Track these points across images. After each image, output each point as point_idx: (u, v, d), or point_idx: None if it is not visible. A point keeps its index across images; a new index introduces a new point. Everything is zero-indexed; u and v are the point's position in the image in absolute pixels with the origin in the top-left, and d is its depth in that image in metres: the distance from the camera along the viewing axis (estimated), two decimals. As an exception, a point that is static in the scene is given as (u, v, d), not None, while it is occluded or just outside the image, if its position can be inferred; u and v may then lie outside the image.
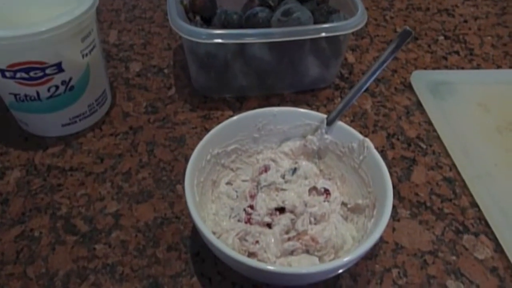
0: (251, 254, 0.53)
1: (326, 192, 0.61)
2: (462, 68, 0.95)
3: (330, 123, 0.59)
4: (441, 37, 1.05)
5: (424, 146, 0.78)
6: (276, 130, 0.60)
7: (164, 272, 0.54)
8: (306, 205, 0.56)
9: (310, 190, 0.60)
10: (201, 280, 0.54)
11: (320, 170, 0.64)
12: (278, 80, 0.83)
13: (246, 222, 0.55)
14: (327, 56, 0.83)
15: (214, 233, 0.53)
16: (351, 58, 0.98)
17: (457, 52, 1.01)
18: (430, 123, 0.82)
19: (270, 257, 0.53)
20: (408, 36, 0.56)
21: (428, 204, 0.68)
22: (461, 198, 0.70)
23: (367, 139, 0.59)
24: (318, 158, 0.61)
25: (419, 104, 0.85)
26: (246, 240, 0.53)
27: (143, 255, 0.56)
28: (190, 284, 0.57)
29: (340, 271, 0.49)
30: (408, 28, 0.56)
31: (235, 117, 0.62)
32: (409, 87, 0.90)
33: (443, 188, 0.71)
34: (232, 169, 0.64)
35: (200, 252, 0.57)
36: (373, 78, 0.59)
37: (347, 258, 0.47)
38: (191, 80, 0.86)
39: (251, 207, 0.57)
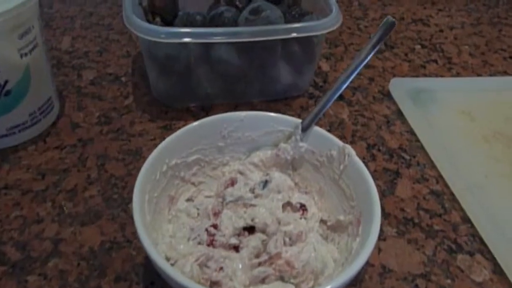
0: (214, 284, 0.44)
1: (302, 207, 0.53)
2: (442, 76, 0.91)
3: (305, 128, 0.51)
4: (418, 46, 1.01)
5: (408, 157, 0.71)
6: (244, 138, 0.52)
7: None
8: (279, 223, 0.48)
9: (284, 206, 0.51)
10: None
11: (295, 183, 0.56)
12: (247, 87, 0.76)
13: (208, 245, 0.46)
14: (299, 61, 0.76)
15: (168, 259, 0.44)
16: (325, 66, 0.92)
17: (435, 61, 0.96)
18: (412, 132, 0.76)
19: (237, 286, 0.43)
20: (392, 27, 0.50)
21: (416, 220, 0.61)
22: (451, 213, 0.63)
23: (348, 146, 0.51)
24: (293, 170, 0.53)
25: (399, 113, 0.80)
26: (207, 267, 0.44)
27: (85, 287, 0.45)
28: (143, 323, 0.47)
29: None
30: (391, 18, 0.50)
31: (196, 123, 0.54)
32: (388, 95, 0.84)
33: (431, 202, 0.64)
34: (193, 184, 0.55)
35: (155, 282, 0.47)
36: (354, 74, 0.52)
37: (329, 286, 0.38)
38: (151, 88, 0.78)
39: (215, 226, 0.48)
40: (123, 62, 0.88)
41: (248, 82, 0.76)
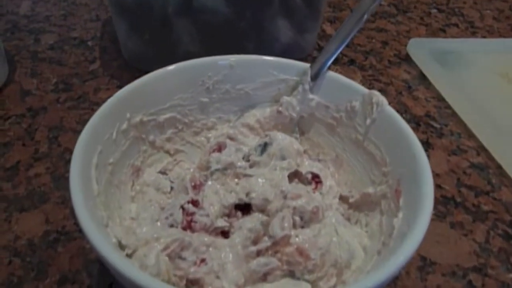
0: (192, 283, 0.30)
1: (316, 179, 0.39)
2: (466, 40, 0.78)
3: (316, 75, 0.38)
4: (434, 10, 0.88)
5: (438, 126, 0.58)
6: (234, 92, 0.39)
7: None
8: (285, 197, 0.34)
9: (290, 177, 0.37)
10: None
11: (304, 151, 0.41)
12: (238, 45, 0.62)
13: (184, 228, 0.32)
14: (301, 16, 0.63)
15: (124, 247, 0.30)
16: (329, 29, 0.79)
17: (455, 25, 0.83)
18: (440, 98, 0.62)
19: (227, 286, 0.29)
20: None
21: (458, 199, 0.47)
22: (501, 190, 0.50)
23: (376, 92, 0.38)
24: (300, 134, 0.39)
25: (422, 77, 0.67)
26: (182, 259, 0.30)
27: None
28: None
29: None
30: None
31: (170, 67, 0.40)
32: (406, 59, 0.71)
33: (474, 177, 0.51)
34: (168, 152, 0.41)
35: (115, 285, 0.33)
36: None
37: (363, 285, 0.25)
38: (121, 48, 0.64)
39: (194, 203, 0.33)
40: (91, 26, 0.75)
41: (239, 39, 0.62)
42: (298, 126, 0.44)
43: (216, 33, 0.60)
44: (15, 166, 0.48)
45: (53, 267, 0.39)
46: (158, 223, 0.32)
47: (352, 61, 0.70)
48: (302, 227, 0.34)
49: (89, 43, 0.70)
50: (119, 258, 0.25)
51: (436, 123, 0.59)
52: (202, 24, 0.59)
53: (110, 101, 0.35)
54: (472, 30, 0.83)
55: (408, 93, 0.64)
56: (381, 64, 0.70)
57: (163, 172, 0.40)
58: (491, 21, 0.86)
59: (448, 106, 0.61)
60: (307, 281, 0.31)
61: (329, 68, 0.42)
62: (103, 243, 0.25)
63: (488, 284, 0.40)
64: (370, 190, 0.37)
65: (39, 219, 0.43)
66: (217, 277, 0.30)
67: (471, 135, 0.57)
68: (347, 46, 0.75)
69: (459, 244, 0.44)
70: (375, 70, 0.69)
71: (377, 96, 0.38)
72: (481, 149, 0.55)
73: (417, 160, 0.32)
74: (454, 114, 0.60)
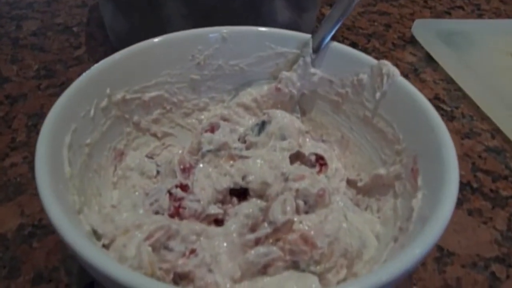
0: (181, 278, 0.25)
1: (320, 161, 0.34)
2: (473, 22, 0.74)
3: (318, 47, 0.33)
4: (438, -7, 0.84)
5: (449, 109, 0.54)
6: (228, 68, 0.34)
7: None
8: (286, 179, 0.30)
9: (291, 159, 0.33)
10: None
11: (306, 132, 0.37)
12: (232, 25, 0.57)
13: (172, 215, 0.28)
14: (300, -5, 0.58)
15: (100, 236, 0.25)
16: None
17: (461, 7, 0.80)
18: (449, 80, 0.58)
19: (220, 281, 0.25)
20: None
21: (475, 185, 0.43)
22: (521, 174, 0.45)
23: (385, 62, 0.34)
24: (301, 114, 0.35)
25: (428, 59, 0.63)
26: (169, 249, 0.26)
27: None
28: None
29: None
30: None
31: (156, 39, 0.36)
32: (411, 41, 0.67)
33: (490, 161, 0.47)
34: (155, 135, 0.37)
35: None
36: None
37: (377, 278, 0.20)
38: (107, 32, 0.59)
39: (184, 187, 0.29)
40: (76, 12, 0.70)
41: (234, 20, 0.57)
42: (299, 105, 0.40)
43: (209, 14, 0.56)
44: (-10, 155, 0.44)
45: (27, 264, 0.35)
46: (141, 210, 0.28)
47: (354, 44, 0.66)
48: (307, 212, 0.30)
49: (74, 29, 0.66)
50: (90, 247, 0.21)
51: (446, 106, 0.55)
52: (194, 5, 0.55)
53: (87, 73, 0.31)
54: (478, 13, 0.79)
55: (415, 76, 0.60)
56: (384, 46, 0.66)
57: (149, 157, 0.36)
58: (497, 3, 0.82)
59: (458, 88, 0.57)
60: (314, 273, 0.27)
61: (332, 39, 0.38)
62: (71, 230, 0.21)
63: (513, 275, 0.36)
64: (382, 171, 0.33)
65: (13, 212, 0.39)
66: (209, 270, 0.26)
67: (484, 118, 0.53)
68: (349, 29, 0.71)
69: (478, 232, 0.40)
70: (378, 53, 0.65)
71: (388, 66, 0.34)
72: (496, 131, 0.51)
73: (437, 133, 0.28)
74: (465, 96, 0.56)
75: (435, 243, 0.23)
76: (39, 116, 0.49)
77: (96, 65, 0.32)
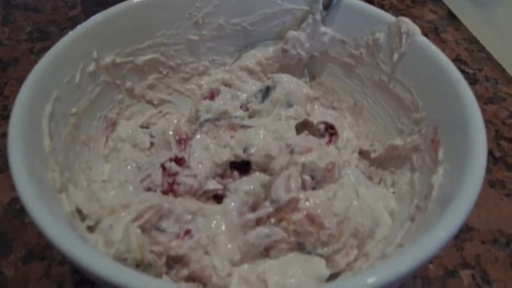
0: (175, 261, 0.23)
1: (330, 130, 0.31)
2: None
3: (329, 2, 0.29)
4: None
5: (471, 71, 0.50)
6: (229, 28, 0.31)
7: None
8: (292, 151, 0.27)
9: (298, 129, 0.30)
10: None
11: (315, 99, 0.34)
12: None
13: (165, 192, 0.25)
14: None
15: (84, 217, 0.23)
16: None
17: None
18: (473, 40, 0.54)
19: (218, 264, 0.23)
20: None
21: (497, 154, 0.40)
22: (549, 142, 0.42)
23: (405, 19, 0.30)
24: (310, 78, 0.32)
25: (451, 18, 0.58)
26: (161, 231, 0.23)
27: None
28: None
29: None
30: None
31: (148, -4, 0.32)
32: (432, -2, 0.61)
33: (516, 129, 0.43)
34: (151, 103, 0.34)
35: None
36: None
37: (394, 266, 0.18)
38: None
39: (179, 161, 0.27)
40: (72, -32, 0.66)
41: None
42: (307, 68, 0.36)
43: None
44: (-20, 124, 0.42)
45: (18, 241, 0.33)
46: (131, 187, 0.25)
47: (369, 1, 0.61)
48: (314, 188, 0.27)
49: (70, -13, 0.62)
50: (65, 235, 0.18)
51: (468, 68, 0.51)
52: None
53: (69, 35, 0.28)
54: (505, -35, 0.72)
55: (435, 36, 0.56)
56: (403, 3, 0.61)
57: (145, 127, 0.34)
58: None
59: (482, 49, 0.53)
60: (321, 255, 0.25)
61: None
62: (43, 212, 0.19)
63: (538, 253, 0.33)
64: (398, 142, 0.30)
65: (5, 185, 0.37)
66: (206, 252, 0.24)
67: (510, 81, 0.49)
68: (363, -16, 0.66)
69: (500, 206, 0.37)
70: (396, 10, 0.60)
71: (407, 23, 0.30)
72: (522, 96, 0.47)
73: (462, 101, 0.25)
74: (489, 57, 0.52)
75: (460, 227, 0.20)
76: (32, 82, 0.47)
77: (80, 26, 0.29)
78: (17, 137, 0.22)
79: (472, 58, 0.52)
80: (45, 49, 0.51)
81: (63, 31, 0.54)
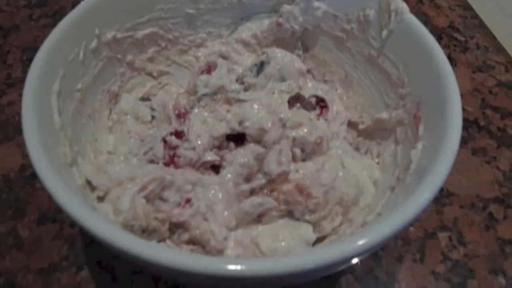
0: (177, 227, 0.26)
1: (321, 103, 0.33)
2: None
3: (323, -23, 0.30)
4: None
5: (463, 39, 0.51)
6: (225, 1, 0.32)
7: (29, 264, 0.33)
8: (284, 125, 0.29)
9: (291, 102, 0.32)
10: (95, 275, 0.32)
11: (308, 71, 0.35)
12: None
13: (167, 164, 0.28)
14: None
15: (94, 188, 0.26)
16: None
17: None
18: (466, 6, 0.55)
19: (216, 229, 0.26)
20: None
21: (482, 122, 0.42)
22: (532, 111, 0.43)
23: (395, -3, 0.31)
24: (303, 50, 0.33)
25: (446, -18, 0.57)
26: (164, 200, 0.26)
27: None
28: (75, 283, 0.30)
29: (358, 258, 0.22)
30: None
31: (145, -29, 0.33)
32: (429, -39, 0.61)
33: (501, 97, 0.45)
34: (151, 75, 0.36)
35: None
36: None
37: (375, 233, 0.20)
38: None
39: (179, 134, 0.29)
40: None
41: None
42: (301, 41, 0.38)
43: None
44: (-14, 93, 0.43)
45: (31, 204, 0.36)
46: (135, 160, 0.28)
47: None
48: (304, 160, 0.29)
49: (66, -51, 0.61)
50: (79, 207, 0.21)
51: (460, 35, 0.52)
52: None
53: (71, 15, 0.29)
54: None
55: (429, 1, 0.56)
56: (399, -33, 0.61)
57: (146, 98, 0.35)
58: None
59: (475, 16, 0.54)
60: (308, 221, 0.27)
61: (338, -32, 0.35)
62: (60, 188, 0.21)
63: (510, 216, 0.36)
64: (384, 115, 0.32)
65: (14, 152, 0.39)
66: (205, 219, 0.26)
67: (500, 49, 0.50)
68: None
69: (480, 172, 0.39)
70: (392, -26, 0.60)
71: (396, 1, 0.31)
72: (511, 64, 0.48)
73: (443, 80, 0.27)
74: (481, 24, 0.53)
75: (431, 200, 0.23)
76: (34, 50, 0.47)
77: (81, 4, 0.30)
78: (30, 117, 0.24)
79: (465, 25, 0.53)
80: (44, 15, 0.52)
81: (61, -4, 0.54)
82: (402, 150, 0.29)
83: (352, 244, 0.21)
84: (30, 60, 0.48)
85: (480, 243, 0.35)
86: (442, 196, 0.38)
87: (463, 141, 0.42)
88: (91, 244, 0.33)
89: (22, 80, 0.45)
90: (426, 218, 0.36)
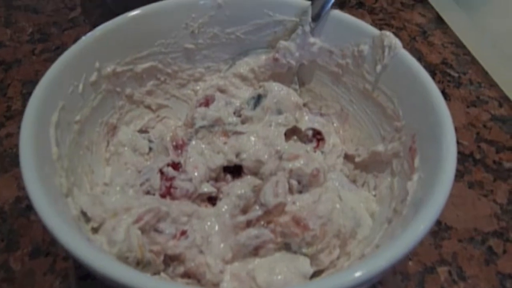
0: (172, 259, 0.25)
1: (317, 136, 0.34)
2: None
3: (318, 15, 0.31)
4: None
5: (456, 75, 0.52)
6: (224, 37, 0.33)
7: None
8: (281, 157, 0.29)
9: (287, 135, 0.32)
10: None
11: (304, 104, 0.36)
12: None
13: (163, 195, 0.28)
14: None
15: (89, 219, 0.25)
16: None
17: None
18: (459, 44, 0.56)
19: (212, 262, 0.25)
20: None
21: (477, 156, 0.43)
22: (526, 145, 0.44)
23: (387, 33, 0.32)
24: (300, 84, 0.34)
25: (438, 21, 0.60)
26: (159, 232, 0.25)
27: None
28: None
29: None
30: None
31: (146, 8, 0.34)
32: (421, 1, 0.65)
33: (496, 131, 0.45)
34: (149, 107, 0.36)
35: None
36: None
37: (372, 265, 0.20)
38: (103, -7, 0.57)
39: (175, 166, 0.29)
40: (71, -31, 0.67)
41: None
42: (297, 76, 0.38)
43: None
44: (-15, 125, 0.44)
45: (25, 237, 0.35)
46: (131, 191, 0.28)
47: (360, 4, 0.63)
48: (300, 192, 0.29)
49: (69, -12, 0.63)
50: (73, 237, 0.20)
51: (453, 71, 0.53)
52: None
53: (72, 48, 0.30)
54: (494, -32, 0.74)
55: (423, 39, 0.57)
56: (392, 6, 0.63)
57: (144, 131, 0.36)
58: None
59: (468, 53, 0.55)
60: (305, 254, 0.27)
61: (333, 7, 0.36)
62: (55, 219, 0.21)
63: (510, 250, 0.36)
64: (380, 148, 0.32)
65: (10, 184, 0.39)
66: (200, 251, 0.26)
67: (492, 84, 0.51)
68: (355, -13, 0.67)
69: (477, 206, 0.39)
70: (386, 13, 0.62)
71: (390, 37, 0.32)
72: (503, 99, 0.49)
73: (437, 113, 0.27)
74: (474, 61, 0.54)
75: (428, 231, 0.23)
76: (34, 83, 0.48)
77: (82, 38, 0.31)
78: (27, 147, 0.24)
79: (458, 62, 0.54)
80: (46, 50, 0.53)
81: (63, 33, 0.56)
82: (399, 182, 0.29)
83: (348, 276, 0.21)
84: (30, 93, 0.48)
85: (480, 278, 0.34)
86: (440, 230, 0.37)
87: (460, 175, 0.42)
88: (84, 279, 0.33)
89: (21, 112, 0.45)
90: (425, 252, 0.36)
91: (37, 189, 0.22)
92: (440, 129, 0.26)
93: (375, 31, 0.33)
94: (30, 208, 0.37)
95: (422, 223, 0.22)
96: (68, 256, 0.34)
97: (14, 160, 0.41)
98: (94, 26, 0.55)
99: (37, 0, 0.61)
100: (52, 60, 0.51)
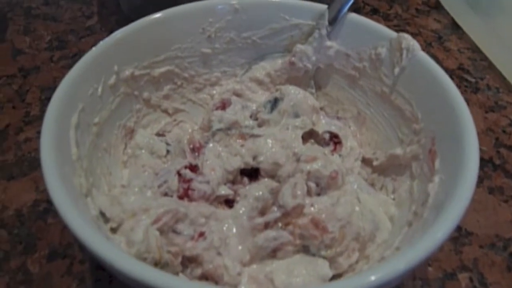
0: (190, 261, 0.25)
1: (335, 139, 0.33)
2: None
3: (335, 18, 0.31)
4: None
5: (473, 80, 0.51)
6: (240, 41, 0.33)
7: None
8: (298, 160, 0.29)
9: (304, 138, 0.32)
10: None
11: (321, 108, 0.36)
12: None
13: (181, 197, 0.28)
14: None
15: (107, 220, 0.25)
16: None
17: (492, -31, 0.74)
18: (475, 49, 0.55)
19: (229, 264, 0.25)
20: None
21: (497, 161, 0.42)
22: (547, 150, 0.43)
23: (405, 35, 0.32)
24: (316, 88, 0.34)
25: (454, 27, 0.60)
26: (177, 233, 0.25)
27: (2, 269, 0.34)
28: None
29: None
30: None
31: (164, 13, 0.34)
32: (437, 7, 0.64)
33: (515, 136, 0.44)
34: (166, 112, 0.37)
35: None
36: None
37: (391, 268, 0.20)
38: (119, 1, 0.58)
39: (193, 168, 0.29)
40: (88, -21, 0.68)
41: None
42: (314, 80, 0.38)
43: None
44: (4, 130, 0.44)
45: (42, 240, 0.36)
46: (149, 192, 0.28)
47: (375, 10, 0.63)
48: (319, 194, 0.29)
49: (87, -3, 0.65)
50: (94, 236, 0.20)
51: (470, 76, 0.52)
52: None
53: (92, 51, 0.30)
54: (510, -26, 0.74)
55: (438, 44, 0.57)
56: (408, 13, 0.63)
57: (160, 134, 0.36)
58: (532, -36, 0.77)
59: (484, 58, 0.54)
60: (324, 257, 0.26)
61: (349, 10, 0.36)
62: (76, 217, 0.21)
63: (533, 257, 0.35)
64: (398, 151, 0.32)
65: (28, 188, 0.39)
66: (218, 253, 0.26)
67: (511, 89, 0.50)
68: (370, -6, 0.67)
69: (498, 211, 0.39)
70: (401, 19, 0.62)
71: (408, 40, 0.32)
72: (523, 104, 0.48)
73: (457, 114, 0.27)
74: (491, 66, 0.53)
75: (450, 233, 0.22)
76: (53, 90, 0.48)
77: (102, 42, 0.31)
78: (48, 147, 0.24)
79: (475, 67, 0.54)
80: (64, 58, 0.54)
81: (80, 40, 0.57)
82: (418, 185, 0.29)
83: (366, 279, 0.20)
84: (48, 99, 0.49)
85: (502, 284, 0.34)
86: (461, 236, 0.37)
87: (479, 180, 0.41)
88: (101, 281, 0.33)
89: (39, 118, 0.46)
90: (445, 258, 0.35)
91: (58, 188, 0.22)
92: (461, 130, 0.26)
93: (392, 33, 0.33)
94: (47, 211, 0.37)
95: (444, 225, 0.22)
96: (85, 259, 0.34)
97: (32, 164, 0.41)
98: (110, 33, 0.56)
99: (55, 9, 0.62)
100: (69, 67, 0.52)
